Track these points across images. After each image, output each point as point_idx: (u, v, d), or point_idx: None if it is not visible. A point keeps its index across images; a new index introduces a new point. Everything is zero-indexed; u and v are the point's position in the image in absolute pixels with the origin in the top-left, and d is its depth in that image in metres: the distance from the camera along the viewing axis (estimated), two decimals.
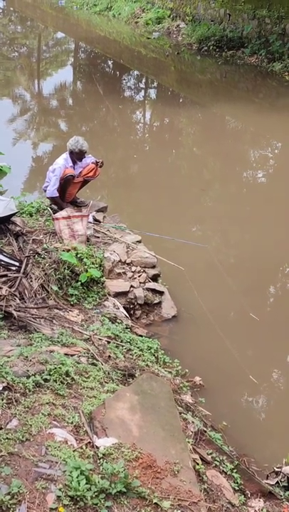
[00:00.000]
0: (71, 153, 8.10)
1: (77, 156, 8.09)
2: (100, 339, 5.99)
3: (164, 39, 26.35)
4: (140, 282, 7.50)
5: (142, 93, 21.92)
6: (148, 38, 26.73)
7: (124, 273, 7.54)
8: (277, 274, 9.03)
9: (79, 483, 3.61)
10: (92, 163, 8.33)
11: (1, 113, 16.68)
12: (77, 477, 3.64)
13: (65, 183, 8.17)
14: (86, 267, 7.05)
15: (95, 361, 5.45)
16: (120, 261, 7.63)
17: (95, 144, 13.86)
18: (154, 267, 7.75)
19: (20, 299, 6.18)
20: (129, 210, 10.76)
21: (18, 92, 20.21)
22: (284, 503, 4.81)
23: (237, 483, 4.86)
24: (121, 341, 6.15)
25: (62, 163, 8.12)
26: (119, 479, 3.76)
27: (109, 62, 25.84)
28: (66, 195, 8.36)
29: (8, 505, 3.38)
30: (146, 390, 4.68)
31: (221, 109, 17.83)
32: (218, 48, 23.09)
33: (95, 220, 8.43)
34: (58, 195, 8.19)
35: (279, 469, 5.18)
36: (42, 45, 29.49)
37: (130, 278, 7.51)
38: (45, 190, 8.34)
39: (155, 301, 7.46)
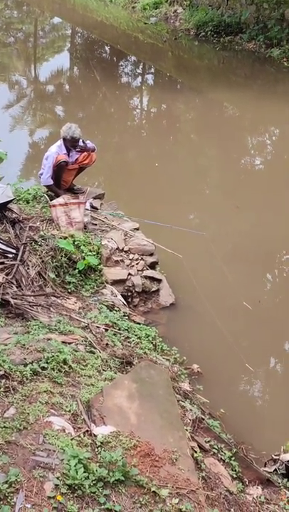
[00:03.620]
0: (64, 140, 8.03)
1: (69, 143, 8.01)
2: (98, 327, 5.97)
3: (161, 24, 26.12)
4: (138, 270, 7.47)
5: (139, 79, 21.77)
6: (145, 24, 26.50)
7: (122, 261, 7.51)
8: (275, 261, 9.00)
9: (77, 472, 3.59)
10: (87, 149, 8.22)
11: None
12: (75, 466, 3.63)
13: (59, 169, 8.09)
14: (83, 254, 7.01)
15: (92, 349, 5.43)
16: (118, 248, 7.60)
17: (92, 130, 13.80)
18: (152, 254, 7.72)
19: (17, 287, 6.15)
20: (126, 197, 10.71)
21: (14, 78, 20.04)
22: (282, 491, 4.83)
23: (235, 470, 4.87)
24: (119, 329, 6.13)
25: (55, 150, 8.05)
26: (117, 468, 3.74)
27: (106, 48, 25.63)
28: (62, 182, 8.28)
29: (6, 494, 3.37)
30: (144, 378, 4.67)
31: (219, 95, 17.71)
32: (216, 34, 22.87)
33: (92, 207, 8.38)
34: (52, 182, 8.12)
35: (277, 457, 5.19)
36: (38, 31, 29.21)
37: (128, 266, 7.48)
38: (40, 177, 8.27)
39: (153, 289, 7.44)
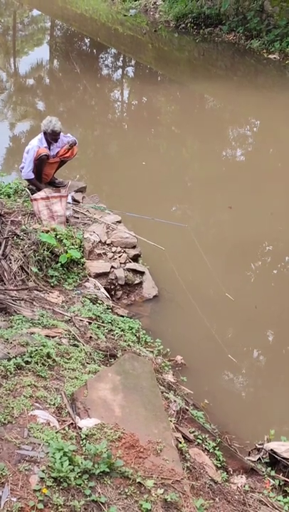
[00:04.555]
0: (45, 133, 7.99)
1: (50, 136, 7.97)
2: (81, 320, 5.98)
3: (141, 16, 26.04)
4: (121, 263, 7.47)
5: (120, 71, 21.70)
6: (125, 16, 26.41)
7: (105, 254, 7.51)
8: (257, 252, 9.05)
9: (62, 465, 3.60)
10: (68, 143, 8.20)
11: None
12: (60, 458, 3.63)
13: (40, 163, 8.05)
14: (66, 248, 7.01)
15: (76, 342, 5.44)
16: (100, 242, 7.59)
17: (72, 123, 13.75)
18: (134, 247, 7.73)
19: None
20: (108, 190, 10.70)
21: None
22: (266, 479, 4.87)
23: (219, 460, 4.90)
24: (102, 322, 6.14)
25: (35, 143, 8.01)
26: (102, 459, 3.76)
27: (86, 41, 25.50)
28: (43, 175, 8.25)
29: None
30: (128, 370, 4.68)
31: (200, 86, 17.73)
32: (196, 26, 22.85)
33: (74, 200, 8.37)
34: (33, 176, 8.09)
35: (261, 446, 5.23)
36: (17, 24, 28.97)
37: (110, 259, 7.48)
38: (21, 171, 8.23)
39: (136, 282, 7.45)
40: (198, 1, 23.73)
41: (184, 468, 4.22)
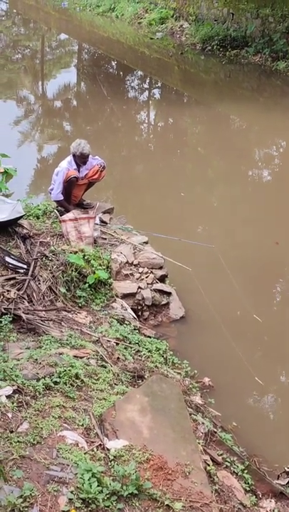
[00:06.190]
0: (74, 156, 8.11)
1: (79, 159, 8.08)
2: (109, 341, 6.00)
3: (167, 39, 26.32)
4: (148, 283, 7.50)
5: (146, 93, 21.91)
6: (151, 39, 26.70)
7: (132, 274, 7.54)
8: (284, 273, 9.01)
9: (90, 486, 3.61)
10: (97, 165, 8.32)
11: (6, 115, 16.70)
12: (88, 479, 3.64)
13: (69, 185, 8.17)
14: (93, 268, 7.05)
15: (104, 363, 5.46)
16: (127, 262, 7.63)
17: (99, 145, 13.88)
18: (161, 267, 7.75)
19: (28, 302, 6.20)
20: (135, 211, 10.76)
21: (22, 94, 20.23)
22: None
23: (248, 483, 4.86)
24: (129, 343, 6.15)
25: (65, 165, 8.13)
26: (130, 481, 3.76)
27: (113, 63, 25.84)
28: (72, 197, 8.35)
29: (21, 509, 3.39)
30: (156, 392, 4.68)
31: (226, 108, 17.81)
32: (222, 48, 23.02)
33: (102, 221, 8.44)
34: (62, 198, 8.20)
35: None
36: (45, 47, 29.49)
37: (138, 279, 7.51)
38: (51, 193, 8.35)
39: (163, 302, 7.46)
40: (225, 24, 23.94)
41: (212, 491, 4.20)
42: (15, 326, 5.73)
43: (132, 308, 7.15)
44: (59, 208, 8.29)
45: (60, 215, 7.90)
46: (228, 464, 4.94)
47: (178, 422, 4.49)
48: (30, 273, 6.54)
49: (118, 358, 5.72)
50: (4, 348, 5.22)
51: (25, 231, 7.34)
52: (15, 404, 4.26)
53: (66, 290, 6.70)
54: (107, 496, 3.66)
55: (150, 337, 6.68)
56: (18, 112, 17.66)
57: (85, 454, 3.96)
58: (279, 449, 5.69)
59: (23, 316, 5.81)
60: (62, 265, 6.85)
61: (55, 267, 6.80)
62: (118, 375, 5.32)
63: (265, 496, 4.88)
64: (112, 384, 5.07)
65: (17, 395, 4.35)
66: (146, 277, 7.55)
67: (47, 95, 20.86)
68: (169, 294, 7.56)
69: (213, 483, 4.40)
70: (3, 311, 5.80)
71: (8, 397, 4.31)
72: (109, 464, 3.95)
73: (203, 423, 5.17)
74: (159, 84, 22.82)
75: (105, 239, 8.05)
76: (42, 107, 19.19)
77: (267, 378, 6.59)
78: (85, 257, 7.10)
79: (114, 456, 4.01)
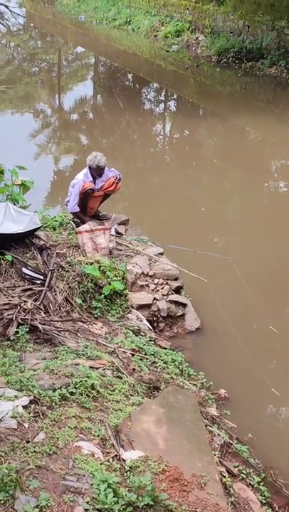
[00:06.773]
0: (90, 168, 8.18)
1: (95, 171, 8.16)
2: (124, 352, 6.01)
3: (183, 52, 26.47)
4: (163, 294, 7.51)
5: (162, 106, 22.02)
6: (167, 51, 26.87)
7: (147, 285, 7.56)
8: None
9: (106, 496, 3.62)
10: (113, 177, 8.38)
11: (23, 128, 16.86)
12: (104, 490, 3.65)
13: (85, 197, 8.24)
14: (109, 279, 7.08)
15: (120, 374, 5.47)
16: (143, 273, 7.66)
17: (115, 157, 13.96)
18: (176, 279, 7.76)
19: (45, 312, 6.24)
20: (150, 222, 10.79)
21: (39, 107, 20.41)
22: None
23: (264, 496, 4.84)
24: (145, 354, 6.16)
25: (81, 178, 8.20)
26: (146, 492, 3.76)
27: (129, 76, 26.02)
28: (88, 209, 8.42)
29: None
30: (171, 403, 4.69)
31: (242, 120, 17.86)
32: (238, 60, 23.12)
33: (117, 233, 8.48)
34: (78, 209, 8.26)
35: None
36: (62, 60, 29.77)
37: (153, 290, 7.53)
38: (67, 205, 8.42)
39: (178, 314, 7.47)
40: (240, 36, 24.04)
41: (228, 503, 4.18)
42: (31, 337, 5.77)
43: (147, 320, 7.16)
44: (75, 219, 8.35)
45: (76, 227, 7.96)
46: (244, 476, 4.91)
47: (194, 434, 4.49)
48: (46, 284, 6.59)
49: (134, 369, 5.73)
50: (21, 358, 5.26)
51: (42, 242, 7.40)
52: (31, 414, 4.29)
53: (82, 301, 6.74)
54: (123, 506, 3.66)
55: (166, 348, 6.68)
56: (35, 124, 17.82)
57: (100, 464, 3.97)
58: None
59: (40, 326, 5.85)
60: (79, 276, 6.89)
61: (71, 277, 6.84)
62: (134, 386, 5.33)
63: (281, 508, 4.85)
64: (128, 395, 5.08)
65: (33, 405, 4.38)
66: (162, 288, 7.57)
67: (63, 108, 21.04)
68: (184, 305, 7.57)
69: (229, 495, 4.38)
70: (20, 321, 5.85)
71: (24, 407, 4.34)
72: (125, 474, 3.96)
73: (218, 434, 5.16)
74: (175, 97, 22.94)
75: (121, 250, 8.09)
76: (59, 120, 19.35)
77: (283, 389, 6.56)
78: (101, 268, 7.14)
79: (130, 467, 4.01)
